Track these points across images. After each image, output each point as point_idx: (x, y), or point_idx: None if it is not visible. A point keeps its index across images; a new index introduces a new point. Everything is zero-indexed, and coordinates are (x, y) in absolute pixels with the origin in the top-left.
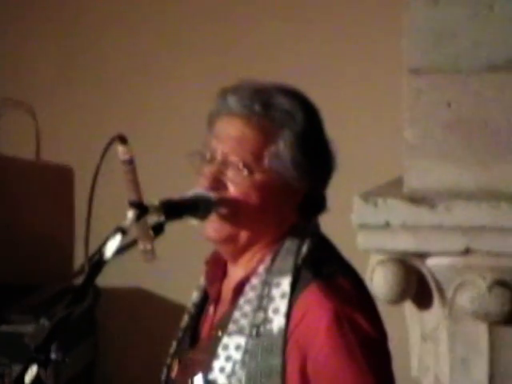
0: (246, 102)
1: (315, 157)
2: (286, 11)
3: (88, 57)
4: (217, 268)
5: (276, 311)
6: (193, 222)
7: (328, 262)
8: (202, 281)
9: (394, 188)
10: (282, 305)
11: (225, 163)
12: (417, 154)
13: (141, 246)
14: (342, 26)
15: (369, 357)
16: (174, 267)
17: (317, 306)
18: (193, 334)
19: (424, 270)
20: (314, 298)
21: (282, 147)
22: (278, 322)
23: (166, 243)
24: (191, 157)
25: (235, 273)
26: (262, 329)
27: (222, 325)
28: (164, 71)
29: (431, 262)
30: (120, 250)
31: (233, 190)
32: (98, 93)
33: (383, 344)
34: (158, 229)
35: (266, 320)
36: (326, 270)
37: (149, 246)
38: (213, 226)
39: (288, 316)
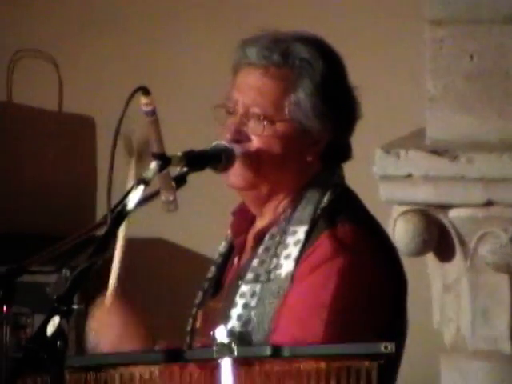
0: (265, 53)
1: (337, 104)
2: None
3: (110, 7)
4: (243, 220)
5: (287, 257)
6: (215, 172)
7: (346, 212)
8: (228, 232)
9: (415, 139)
10: (294, 251)
11: (246, 115)
12: (438, 106)
13: (163, 196)
14: None
15: (338, 309)
16: (195, 218)
17: (321, 249)
18: (217, 284)
19: (445, 222)
20: (322, 244)
21: (303, 96)
22: (286, 266)
23: (187, 194)
24: (215, 110)
25: (260, 222)
26: (272, 274)
27: (242, 273)
28: (183, 24)
29: (453, 213)
30: (142, 201)
31: (255, 141)
32: (120, 44)
33: (375, 303)
34: (181, 180)
35: (278, 265)
36: (344, 218)
37: (171, 197)
38: (236, 174)
39: (297, 261)
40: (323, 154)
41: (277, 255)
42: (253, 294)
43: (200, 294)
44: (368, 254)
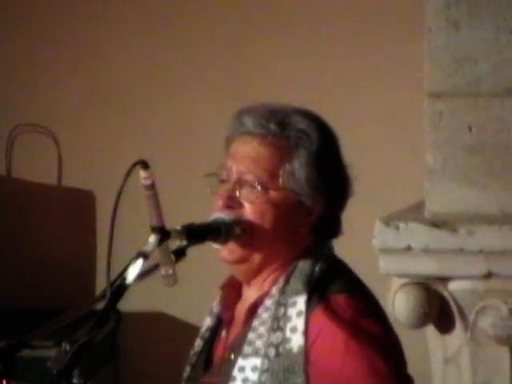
0: (262, 122)
1: (330, 177)
2: (304, 40)
3: (109, 83)
4: (232, 292)
5: (294, 330)
6: (215, 246)
7: (338, 282)
8: (214, 306)
9: (415, 212)
10: (300, 323)
11: (240, 182)
12: (438, 178)
13: (162, 270)
14: (365, 50)
15: (390, 366)
16: (195, 292)
17: (328, 327)
18: (207, 358)
19: (446, 294)
20: (324, 319)
21: (298, 166)
22: (296, 340)
23: (187, 268)
24: (208, 178)
25: (249, 295)
26: (281, 349)
27: (235, 347)
28: (181, 100)
29: (453, 285)
30: (142, 275)
31: (247, 208)
32: (119, 119)
33: (398, 348)
34: (180, 253)
35: (285, 339)
36: (336, 289)
37: (170, 271)
38: (228, 248)
39: (306, 334)
40: (314, 227)
41: (280, 328)
42: (254, 369)
43: (188, 368)
44: (370, 318)
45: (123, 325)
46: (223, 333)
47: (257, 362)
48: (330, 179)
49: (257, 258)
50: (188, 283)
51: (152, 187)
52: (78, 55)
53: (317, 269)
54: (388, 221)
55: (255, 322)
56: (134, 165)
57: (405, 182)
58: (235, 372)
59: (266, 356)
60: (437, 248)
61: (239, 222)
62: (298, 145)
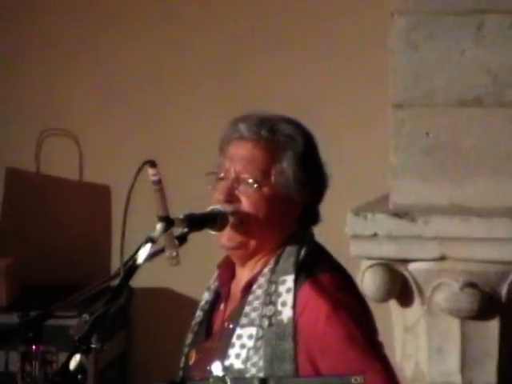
0: (255, 128)
1: (312, 175)
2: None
3: (122, 90)
4: (227, 271)
5: (284, 304)
6: (212, 232)
7: (321, 263)
8: (211, 282)
9: (380, 204)
10: (289, 298)
11: (237, 180)
12: (400, 176)
13: (167, 253)
14: (341, 68)
15: (365, 331)
16: (195, 270)
17: (313, 299)
18: (207, 327)
19: (406, 274)
20: (311, 292)
21: (286, 166)
22: (286, 312)
23: (189, 250)
24: (208, 176)
25: (243, 274)
26: (273, 320)
27: (233, 318)
28: (185, 106)
29: (412, 266)
30: (150, 257)
31: (244, 202)
32: (132, 123)
33: (371, 321)
34: (182, 239)
35: (276, 312)
36: (321, 269)
37: (174, 253)
38: (227, 236)
39: (294, 307)
40: (299, 217)
41: (272, 302)
42: (250, 336)
43: (190, 335)
44: (351, 293)
45: (134, 299)
46: (221, 306)
47: (252, 330)
48: (312, 176)
49: (252, 244)
50: (189, 263)
51: (159, 182)
52: (94, 66)
53: (302, 252)
54: (358, 211)
55: (250, 297)
56: (144, 164)
57: (372, 179)
58: (234, 339)
59: (260, 326)
60: (398, 235)
61: (237, 213)
62: (286, 148)
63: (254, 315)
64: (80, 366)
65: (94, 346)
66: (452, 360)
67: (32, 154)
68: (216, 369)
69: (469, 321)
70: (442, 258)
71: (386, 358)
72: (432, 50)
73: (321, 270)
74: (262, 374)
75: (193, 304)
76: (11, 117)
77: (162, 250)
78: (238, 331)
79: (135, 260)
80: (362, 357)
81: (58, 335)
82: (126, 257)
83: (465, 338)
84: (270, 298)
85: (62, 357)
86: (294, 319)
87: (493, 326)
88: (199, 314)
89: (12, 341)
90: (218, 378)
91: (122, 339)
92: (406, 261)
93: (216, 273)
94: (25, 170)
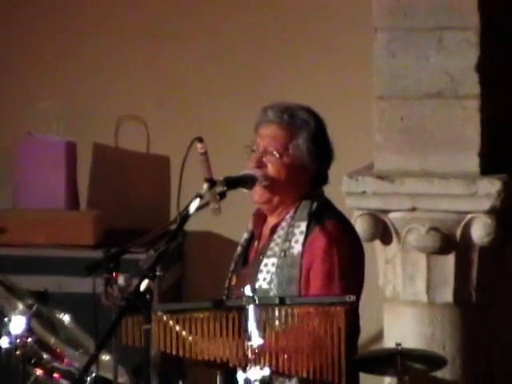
0: (279, 114)
1: (321, 149)
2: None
3: (180, 84)
4: (260, 218)
5: (296, 241)
6: (244, 190)
7: (329, 213)
8: (249, 226)
9: (367, 170)
10: (300, 238)
11: (265, 151)
12: (382, 149)
13: (211, 206)
14: (338, 71)
15: (344, 271)
16: (234, 217)
17: (317, 237)
18: (244, 258)
19: (387, 221)
20: (317, 234)
21: (301, 142)
22: (297, 247)
23: (229, 202)
24: (244, 148)
25: (270, 220)
26: (287, 252)
27: (263, 252)
28: (225, 96)
29: (391, 215)
30: (198, 208)
31: (270, 168)
32: (186, 109)
33: (360, 263)
34: (222, 195)
35: (290, 247)
36: (328, 217)
37: (216, 206)
38: (257, 194)
39: (303, 245)
40: (311, 179)
41: (289, 240)
42: (273, 264)
43: (232, 264)
44: (347, 237)
45: (187, 239)
46: (255, 243)
47: (274, 260)
48: (321, 150)
49: (276, 199)
50: (229, 212)
51: (205, 154)
52: (154, 63)
53: (314, 205)
54: (351, 175)
55: (275, 236)
56: (194, 139)
57: (362, 151)
58: (262, 267)
59: (279, 256)
60: (381, 192)
61: (265, 176)
62: (301, 129)
63: (276, 249)
64: (148, 289)
65: (158, 273)
66: (420, 284)
67: (112, 133)
68: (247, 290)
69: (432, 255)
70: (413, 209)
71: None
72: (405, 56)
73: (328, 218)
74: (279, 293)
75: (229, 242)
76: (95, 104)
77: (207, 204)
78: (265, 261)
79: (188, 211)
80: (326, 288)
81: (132, 266)
82: (181, 208)
83: (429, 268)
84: (288, 237)
85: (134, 282)
86: (302, 253)
87: (450, 259)
88: (239, 249)
89: (98, 270)
90: (248, 297)
91: (178, 269)
92: (386, 211)
93: (251, 219)
94: (107, 145)
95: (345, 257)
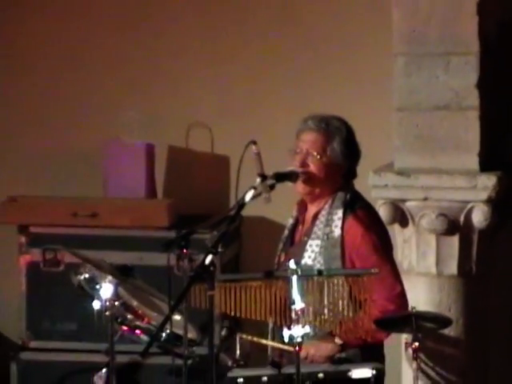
0: (317, 123)
1: (352, 150)
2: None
3: (241, 95)
4: (303, 206)
5: (336, 226)
6: (289, 183)
7: (359, 203)
8: (293, 212)
9: (389, 167)
10: (339, 223)
11: (307, 153)
12: (400, 151)
13: (263, 195)
14: (365, 86)
15: (383, 246)
16: (282, 203)
17: (354, 225)
18: (291, 240)
19: (404, 208)
20: (352, 221)
21: (336, 145)
22: (337, 231)
23: (278, 193)
24: (289, 151)
25: (312, 208)
26: (329, 235)
27: (307, 234)
28: (275, 106)
29: (408, 203)
30: (253, 197)
31: (311, 166)
32: (243, 116)
33: (388, 240)
34: (272, 187)
35: (331, 231)
36: (359, 206)
37: (267, 196)
38: (301, 186)
39: (342, 228)
40: (343, 175)
41: (329, 225)
42: (316, 245)
43: (281, 244)
44: (374, 221)
45: (243, 222)
46: (300, 227)
47: (318, 242)
48: (351, 151)
49: (316, 191)
50: (277, 201)
51: (258, 154)
52: (216, 80)
53: (347, 196)
54: (376, 171)
55: (317, 222)
56: (249, 142)
57: (384, 152)
58: (307, 247)
59: (322, 239)
60: (399, 185)
61: (307, 173)
62: (335, 135)
63: (319, 232)
64: (212, 262)
65: (220, 250)
66: (430, 259)
67: (183, 136)
68: (291, 264)
69: (441, 236)
70: (425, 199)
71: (394, 264)
72: (419, 76)
73: (359, 207)
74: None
75: (278, 226)
76: (170, 113)
77: (259, 194)
78: (310, 242)
79: (244, 199)
80: (380, 261)
81: (199, 244)
82: (239, 198)
83: (438, 246)
84: (328, 222)
85: (200, 257)
86: (342, 235)
87: (455, 239)
88: (286, 231)
89: (172, 247)
90: (292, 269)
91: (236, 246)
92: (404, 200)
93: (295, 207)
94: (179, 146)
95: (379, 235)
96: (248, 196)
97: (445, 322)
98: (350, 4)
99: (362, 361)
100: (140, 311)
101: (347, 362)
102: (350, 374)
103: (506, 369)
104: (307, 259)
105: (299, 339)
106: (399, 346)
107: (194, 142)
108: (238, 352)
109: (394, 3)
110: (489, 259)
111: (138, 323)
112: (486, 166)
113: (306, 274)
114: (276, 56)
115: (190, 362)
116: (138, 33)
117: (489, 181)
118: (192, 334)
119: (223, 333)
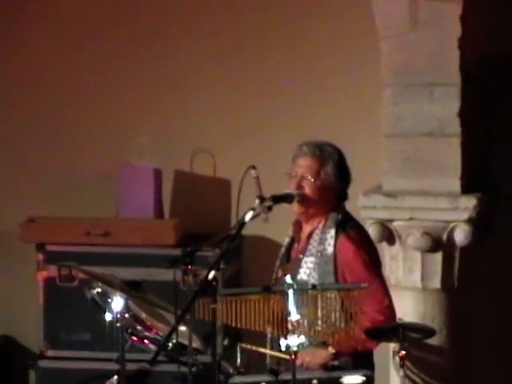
0: (311, 149)
1: (343, 174)
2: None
3: (243, 120)
4: (298, 226)
5: (329, 244)
6: (286, 205)
7: (351, 222)
8: (290, 232)
9: (377, 189)
10: (332, 241)
11: (302, 177)
12: (388, 174)
13: (262, 216)
14: (355, 114)
15: (372, 263)
16: (278, 225)
17: (345, 243)
18: (287, 257)
19: (391, 227)
20: (344, 240)
21: (329, 169)
22: (330, 249)
23: (275, 215)
24: (286, 174)
25: (306, 227)
26: (323, 253)
27: (302, 252)
28: (271, 135)
29: (395, 223)
30: (252, 218)
31: (306, 189)
32: (242, 143)
33: (377, 257)
34: (270, 208)
35: (324, 249)
36: (350, 226)
37: (265, 216)
38: (296, 207)
39: (334, 247)
40: (336, 197)
41: (322, 243)
42: (311, 262)
43: (278, 261)
44: (364, 240)
45: (243, 241)
46: (295, 245)
47: (312, 259)
48: (343, 174)
49: (310, 211)
50: (275, 221)
51: (257, 178)
52: (218, 109)
53: (339, 216)
54: (365, 193)
55: (311, 241)
56: (249, 167)
57: (373, 175)
58: (302, 263)
59: (316, 256)
60: (387, 206)
61: (302, 195)
62: (328, 160)
63: (313, 250)
64: (214, 278)
65: (222, 266)
66: (416, 274)
67: (188, 162)
68: (288, 279)
69: (425, 253)
70: (411, 219)
71: (383, 279)
72: (405, 105)
73: (350, 226)
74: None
75: (275, 244)
76: (175, 140)
77: (258, 214)
78: (305, 259)
79: (244, 219)
80: (370, 277)
81: (203, 261)
82: (239, 218)
83: (423, 262)
84: (321, 241)
85: (204, 272)
86: (334, 253)
87: (438, 256)
88: (282, 249)
89: (178, 263)
90: (288, 284)
91: (237, 263)
92: (391, 220)
93: (291, 227)
94: (184, 170)
95: (369, 253)
96: (248, 216)
97: (429, 332)
98: (344, 40)
99: (353, 368)
100: (148, 323)
101: (339, 369)
102: (341, 380)
103: (487, 374)
104: (302, 275)
105: (295, 348)
106: (387, 354)
107: (198, 166)
108: (238, 360)
109: (382, 37)
110: (469, 274)
111: (146, 334)
112: (467, 188)
113: (302, 289)
114: (274, 89)
115: (194, 369)
116: (150, 67)
117: (469, 202)
118: (196, 344)
119: (225, 343)
